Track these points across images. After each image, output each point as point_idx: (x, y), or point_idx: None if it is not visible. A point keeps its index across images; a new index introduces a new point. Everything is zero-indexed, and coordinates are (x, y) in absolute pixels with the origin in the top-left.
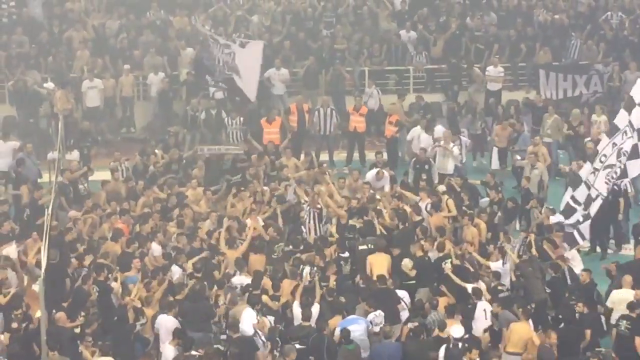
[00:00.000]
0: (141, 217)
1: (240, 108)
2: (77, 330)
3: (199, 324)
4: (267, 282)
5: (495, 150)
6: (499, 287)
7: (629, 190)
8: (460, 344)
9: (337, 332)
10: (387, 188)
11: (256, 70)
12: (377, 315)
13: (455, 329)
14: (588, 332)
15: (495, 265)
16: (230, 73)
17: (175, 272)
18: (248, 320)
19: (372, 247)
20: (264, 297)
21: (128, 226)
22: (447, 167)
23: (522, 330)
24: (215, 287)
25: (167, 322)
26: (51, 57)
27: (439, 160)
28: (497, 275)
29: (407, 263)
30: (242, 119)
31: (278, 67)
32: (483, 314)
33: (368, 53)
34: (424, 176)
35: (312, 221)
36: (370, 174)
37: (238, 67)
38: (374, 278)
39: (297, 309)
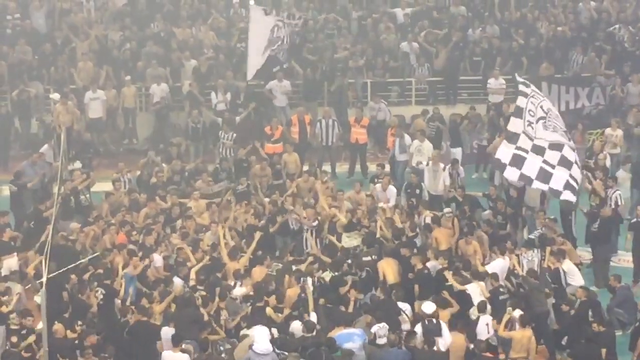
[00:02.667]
0: (144, 229)
1: (237, 122)
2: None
3: (188, 330)
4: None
5: None
6: (501, 289)
7: (620, 203)
8: (434, 320)
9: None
10: (392, 201)
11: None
12: (381, 327)
13: (427, 305)
14: (603, 351)
15: (493, 265)
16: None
17: (177, 283)
18: (263, 337)
19: (375, 257)
20: (268, 310)
21: (128, 237)
22: (438, 188)
23: (522, 337)
24: (217, 299)
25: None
26: (53, 68)
27: (429, 181)
28: (495, 277)
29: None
30: (234, 134)
31: (280, 78)
32: (485, 328)
33: (370, 65)
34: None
35: (311, 235)
36: (378, 187)
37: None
38: (388, 284)
39: (296, 324)
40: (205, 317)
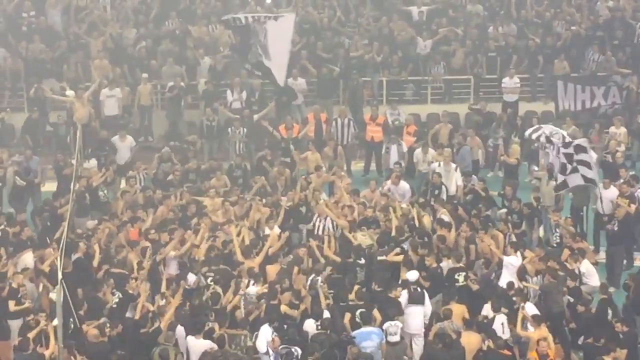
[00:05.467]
0: (159, 226)
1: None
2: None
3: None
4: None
5: None
6: (513, 299)
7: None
8: (418, 288)
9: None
10: (406, 198)
11: (285, 50)
12: (393, 325)
13: (410, 273)
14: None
15: (508, 259)
16: (262, 55)
17: (191, 279)
18: (263, 337)
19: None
20: (283, 307)
21: (139, 234)
22: (451, 188)
23: (539, 337)
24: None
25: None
26: (66, 65)
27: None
28: (510, 285)
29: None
30: (245, 129)
31: (295, 77)
32: (500, 328)
33: (386, 63)
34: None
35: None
36: (389, 182)
37: (268, 47)
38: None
39: (309, 322)
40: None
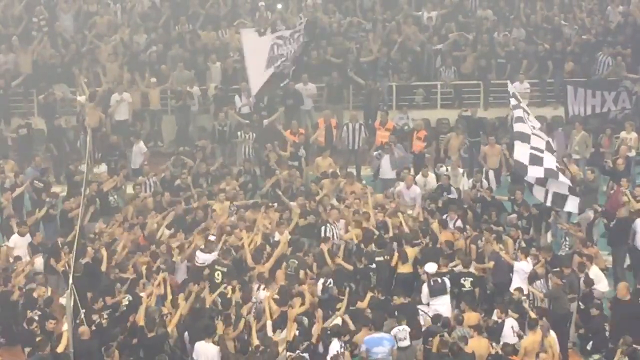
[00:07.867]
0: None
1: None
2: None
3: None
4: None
5: (491, 173)
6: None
7: None
8: (439, 279)
9: (363, 348)
10: (418, 203)
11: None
12: (401, 330)
13: (429, 266)
14: None
15: (519, 265)
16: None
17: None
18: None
19: (389, 258)
20: (291, 311)
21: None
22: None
23: (533, 342)
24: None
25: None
26: (77, 70)
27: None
28: (520, 290)
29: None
30: (254, 134)
31: (305, 81)
32: (511, 331)
33: (396, 68)
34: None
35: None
36: (402, 186)
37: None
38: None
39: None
40: (220, 329)
